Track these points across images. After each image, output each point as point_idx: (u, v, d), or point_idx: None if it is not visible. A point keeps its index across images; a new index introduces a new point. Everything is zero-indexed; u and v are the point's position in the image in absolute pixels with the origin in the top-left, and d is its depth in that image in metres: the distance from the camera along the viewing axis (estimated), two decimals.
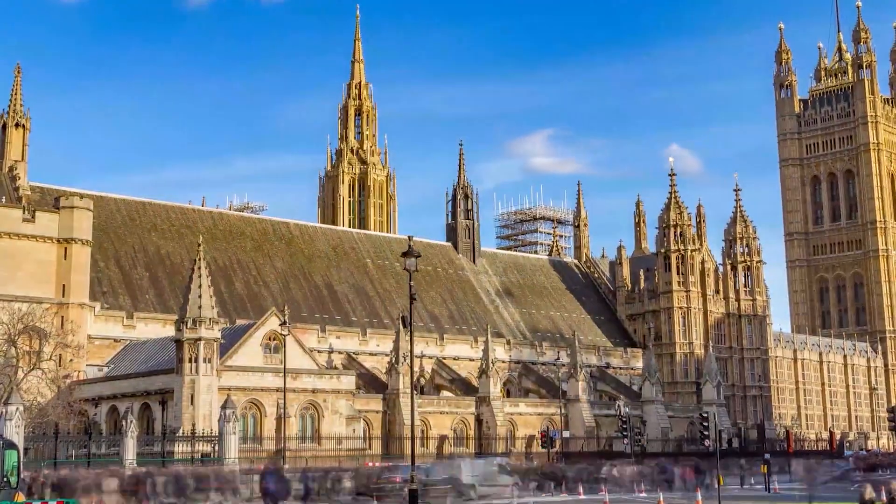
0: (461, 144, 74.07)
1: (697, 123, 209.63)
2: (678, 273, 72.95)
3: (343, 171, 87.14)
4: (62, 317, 43.89)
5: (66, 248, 45.10)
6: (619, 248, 78.85)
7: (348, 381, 45.66)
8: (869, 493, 22.25)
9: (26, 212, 44.79)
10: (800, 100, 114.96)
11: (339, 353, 54.17)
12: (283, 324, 40.60)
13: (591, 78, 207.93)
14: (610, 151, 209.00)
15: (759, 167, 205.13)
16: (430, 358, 57.59)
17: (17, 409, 32.12)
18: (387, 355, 51.55)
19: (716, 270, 77.30)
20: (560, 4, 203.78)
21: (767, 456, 41.01)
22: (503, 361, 60.21)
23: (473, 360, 57.83)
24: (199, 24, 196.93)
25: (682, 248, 72.94)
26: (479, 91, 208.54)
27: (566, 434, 52.82)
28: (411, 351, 25.64)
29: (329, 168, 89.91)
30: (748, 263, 78.17)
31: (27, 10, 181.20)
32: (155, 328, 47.84)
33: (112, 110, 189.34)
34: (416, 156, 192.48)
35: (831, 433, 70.80)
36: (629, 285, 77.01)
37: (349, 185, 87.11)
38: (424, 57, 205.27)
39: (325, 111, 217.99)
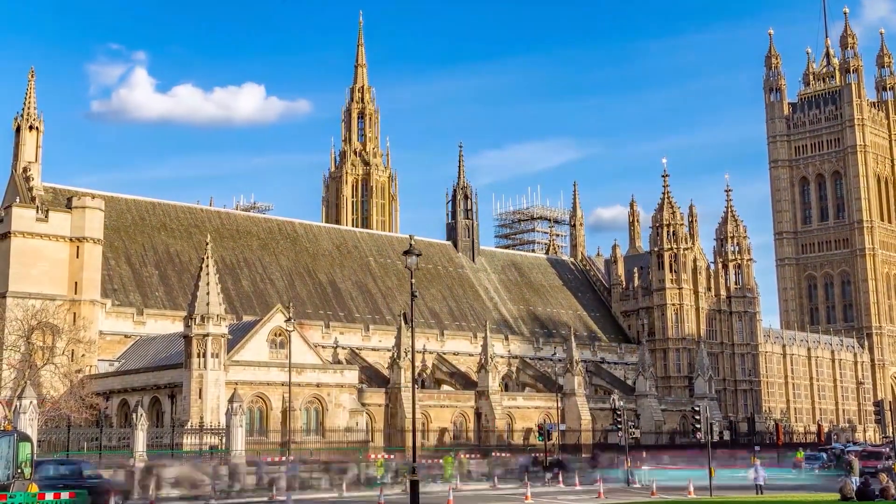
0: (461, 146, 75.55)
1: (690, 122, 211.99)
2: (671, 271, 74.61)
3: (347, 173, 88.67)
4: (74, 313, 44.84)
5: (78, 247, 46.08)
6: (614, 247, 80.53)
7: (351, 376, 46.60)
8: (849, 487, 23.56)
9: (40, 211, 45.76)
10: (789, 103, 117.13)
11: (343, 348, 55.18)
12: (288, 320, 41.60)
13: (587, 76, 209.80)
14: (605, 150, 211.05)
15: (749, 164, 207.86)
16: (431, 353, 58.68)
17: (31, 402, 32.90)
18: (389, 350, 52.70)
19: (707, 268, 78.98)
20: (556, 4, 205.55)
21: (757, 448, 42.64)
22: (502, 356, 61.35)
23: (473, 355, 58.95)
24: (203, 23, 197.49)
25: (675, 246, 74.61)
26: (479, 90, 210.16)
27: (562, 427, 54.23)
28: (412, 346, 26.65)
29: (333, 169, 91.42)
30: (739, 261, 79.92)
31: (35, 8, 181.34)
32: (164, 324, 48.71)
33: (117, 110, 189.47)
34: (417, 156, 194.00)
35: (819, 426, 72.57)
36: (624, 283, 78.57)
37: (352, 185, 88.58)
38: (425, 55, 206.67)
39: (329, 112, 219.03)
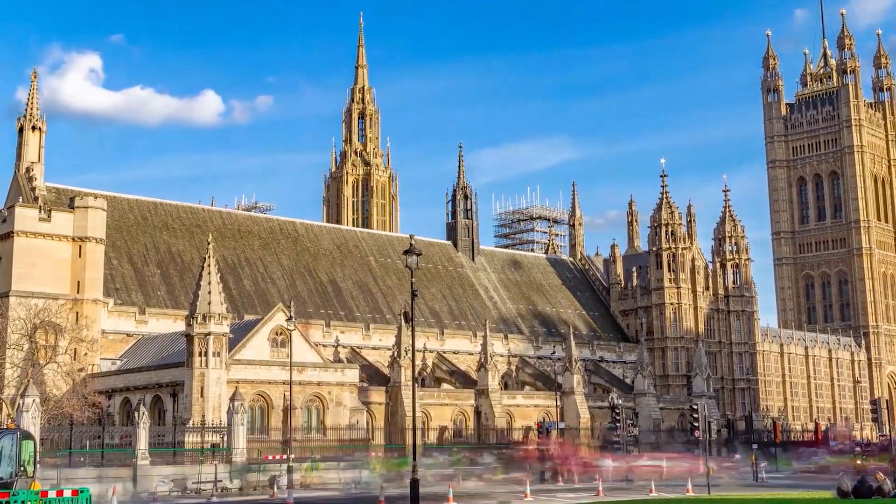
0: (460, 146, 75.85)
1: (688, 121, 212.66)
2: (669, 270, 74.96)
3: (347, 173, 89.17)
4: (77, 312, 45.10)
5: (80, 247, 46.36)
6: (613, 247, 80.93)
7: (352, 375, 46.82)
8: (846, 484, 23.82)
9: (42, 211, 46.03)
10: (786, 103, 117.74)
11: (344, 347, 55.41)
12: (289, 319, 41.67)
13: (586, 75, 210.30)
14: (603, 149, 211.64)
15: (747, 163, 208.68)
16: (431, 352, 58.95)
17: (34, 401, 33.11)
18: (389, 349, 52.95)
19: (705, 267, 79.33)
20: (555, 4, 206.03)
21: (755, 446, 43.03)
22: (501, 355, 61.64)
23: (472, 353, 59.27)
24: (206, 23, 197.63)
25: (674, 246, 74.96)
26: (478, 90, 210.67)
27: (561, 425, 54.53)
28: (413, 345, 26.84)
29: (334, 169, 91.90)
30: (737, 261, 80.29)
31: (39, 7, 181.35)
32: (166, 323, 48.92)
33: (120, 111, 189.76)
34: (417, 155, 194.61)
35: (817, 424, 72.96)
36: (622, 282, 78.92)
37: (353, 185, 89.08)
38: (424, 55, 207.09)
39: (330, 112, 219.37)
